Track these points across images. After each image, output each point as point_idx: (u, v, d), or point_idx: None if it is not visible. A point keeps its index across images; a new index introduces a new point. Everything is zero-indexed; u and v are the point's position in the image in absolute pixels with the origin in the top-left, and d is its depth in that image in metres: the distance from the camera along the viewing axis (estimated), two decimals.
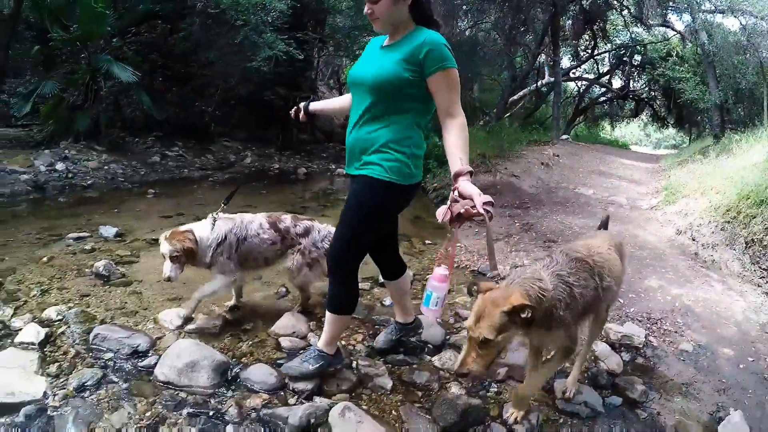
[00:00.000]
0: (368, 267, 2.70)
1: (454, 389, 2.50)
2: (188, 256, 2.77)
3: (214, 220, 2.88)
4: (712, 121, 13.95)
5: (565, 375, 2.60)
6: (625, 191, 8.39)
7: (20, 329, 2.66)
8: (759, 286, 4.13)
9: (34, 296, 3.16)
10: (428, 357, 2.81)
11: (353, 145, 2.24)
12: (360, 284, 2.69)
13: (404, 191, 2.20)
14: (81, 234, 4.51)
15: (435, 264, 2.13)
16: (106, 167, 7.94)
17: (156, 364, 2.44)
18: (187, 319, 2.88)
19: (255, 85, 11.49)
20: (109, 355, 2.54)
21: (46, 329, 2.66)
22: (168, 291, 3.34)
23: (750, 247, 4.43)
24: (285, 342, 2.79)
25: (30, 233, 4.54)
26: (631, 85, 22.78)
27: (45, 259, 3.82)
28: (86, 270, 3.64)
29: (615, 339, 3.09)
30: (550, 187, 8.10)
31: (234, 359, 2.58)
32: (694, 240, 5.18)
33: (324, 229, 3.11)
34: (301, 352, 2.60)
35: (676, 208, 6.27)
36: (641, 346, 3.08)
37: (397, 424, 2.20)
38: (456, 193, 1.90)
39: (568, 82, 22.70)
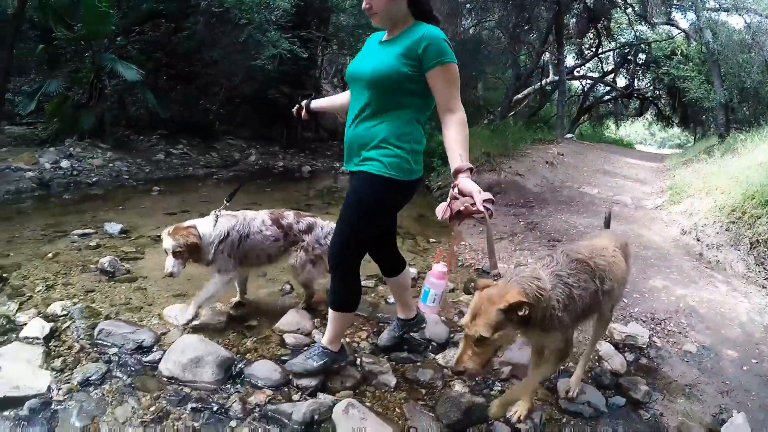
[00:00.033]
0: (372, 265, 2.70)
1: (458, 387, 2.50)
2: (191, 251, 2.76)
3: (217, 216, 2.88)
4: (717, 120, 13.89)
5: (568, 374, 2.60)
6: (629, 190, 8.37)
7: (25, 324, 2.67)
8: (764, 287, 4.12)
9: (39, 291, 3.18)
10: (432, 355, 2.81)
11: (352, 141, 2.23)
12: (364, 282, 2.70)
13: (404, 187, 2.19)
14: (86, 230, 4.52)
15: (434, 261, 2.12)
16: (110, 165, 7.96)
17: (160, 359, 2.45)
18: (190, 323, 2.87)
19: (259, 83, 11.49)
20: (114, 350, 2.55)
21: (51, 324, 2.67)
22: (173, 287, 3.35)
23: (755, 247, 4.42)
24: (289, 338, 2.80)
25: (35, 230, 4.56)
26: (635, 84, 22.65)
27: (50, 255, 3.83)
28: (91, 266, 3.65)
29: (619, 339, 3.09)
30: (554, 186, 8.08)
31: (238, 355, 2.59)
32: (698, 240, 5.16)
33: (327, 225, 3.11)
34: (306, 348, 2.60)
35: (680, 208, 6.24)
36: (645, 346, 3.07)
37: (400, 422, 2.20)
38: (456, 190, 1.88)
39: (572, 81, 22.57)
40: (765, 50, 12.66)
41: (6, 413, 2.03)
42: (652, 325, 3.39)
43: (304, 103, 2.70)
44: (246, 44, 10.03)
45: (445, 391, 2.47)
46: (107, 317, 2.87)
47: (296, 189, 8.50)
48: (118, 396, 2.21)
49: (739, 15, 13.19)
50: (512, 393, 2.27)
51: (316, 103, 2.69)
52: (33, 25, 9.30)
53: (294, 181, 9.56)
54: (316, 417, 2.13)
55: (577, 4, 15.67)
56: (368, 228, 2.28)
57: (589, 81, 23.23)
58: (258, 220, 2.99)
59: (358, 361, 2.64)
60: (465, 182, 1.86)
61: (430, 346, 2.89)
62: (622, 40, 21.00)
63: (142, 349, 2.57)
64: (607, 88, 23.72)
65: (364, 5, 2.11)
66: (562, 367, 2.75)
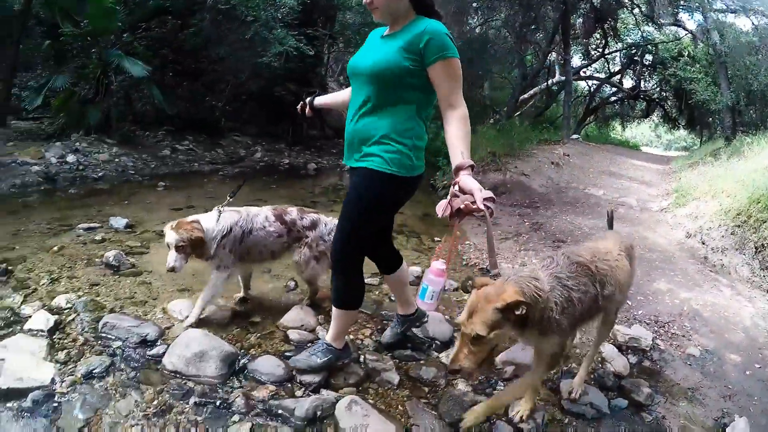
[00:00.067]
0: None
1: (461, 386, 2.50)
2: (195, 246, 2.72)
3: (220, 212, 2.87)
4: (723, 122, 13.82)
5: (571, 375, 2.59)
6: (635, 192, 8.34)
7: (30, 316, 2.68)
8: None
9: (44, 284, 3.19)
10: (435, 353, 2.81)
11: (353, 136, 2.20)
12: (368, 279, 2.70)
13: (406, 183, 2.17)
14: (91, 224, 4.54)
15: (433, 258, 2.11)
16: (116, 160, 7.99)
17: (164, 353, 2.46)
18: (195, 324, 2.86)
19: (265, 80, 11.50)
20: (118, 343, 2.56)
21: (56, 317, 2.68)
22: (177, 282, 3.36)
23: (760, 252, 4.39)
24: (293, 334, 2.80)
25: (40, 223, 4.58)
26: (642, 85, 22.56)
27: (55, 248, 3.85)
28: (96, 260, 3.66)
29: (622, 341, 3.08)
30: (560, 186, 8.07)
31: (242, 350, 2.60)
32: (703, 243, 5.14)
33: (330, 222, 3.10)
34: (309, 345, 2.61)
35: (686, 211, 6.22)
36: (648, 349, 3.06)
37: (403, 419, 2.20)
38: (456, 187, 1.86)
39: (578, 81, 22.55)
40: None
41: (9, 404, 2.04)
42: (656, 328, 3.38)
43: (308, 100, 2.69)
44: (252, 41, 10.06)
45: (448, 389, 2.47)
46: (112, 311, 2.88)
47: (302, 186, 8.52)
48: (122, 389, 2.22)
49: (747, 17, 13.14)
50: (497, 400, 2.24)
51: (320, 100, 2.69)
52: (39, 21, 9.34)
53: (299, 178, 9.58)
54: (319, 413, 2.13)
55: (584, 4, 15.63)
56: (369, 224, 2.26)
57: (595, 82, 23.14)
58: (261, 216, 2.97)
59: (361, 359, 2.64)
60: (466, 180, 1.84)
61: (434, 345, 2.89)
62: (629, 41, 20.94)
63: (146, 342, 2.58)
64: (614, 89, 23.62)
65: (364, 0, 2.10)
66: (565, 368, 2.75)
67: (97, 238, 4.23)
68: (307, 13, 11.45)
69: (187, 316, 2.84)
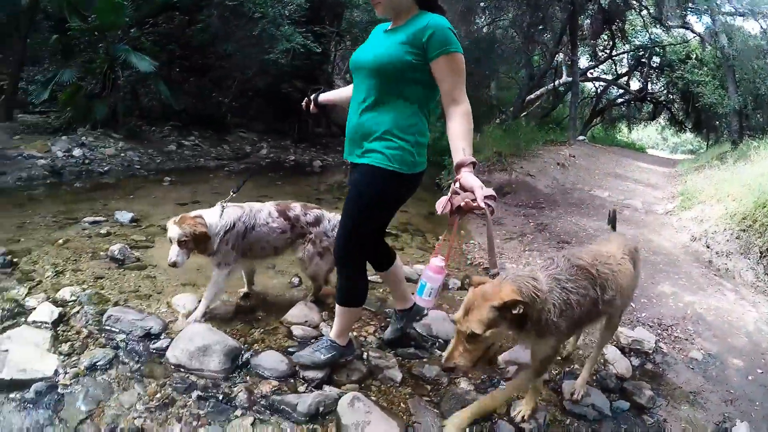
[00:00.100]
0: None
1: (463, 384, 2.51)
2: (198, 241, 2.70)
3: (223, 207, 2.86)
4: (730, 126, 13.77)
5: (574, 376, 2.60)
6: (640, 195, 8.31)
7: (34, 308, 2.68)
8: None
9: (48, 277, 3.20)
10: (438, 351, 2.81)
11: (354, 131, 2.18)
12: (371, 277, 2.69)
13: (408, 180, 2.15)
14: (97, 218, 4.55)
15: (432, 255, 2.11)
16: (122, 154, 8.02)
17: (168, 346, 2.46)
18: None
19: (272, 77, 11.50)
20: (122, 336, 2.57)
21: (60, 309, 2.69)
22: (182, 276, 3.36)
23: (764, 256, 4.37)
24: (297, 330, 2.81)
25: (46, 216, 4.59)
26: (649, 88, 22.48)
27: (61, 241, 3.86)
28: (101, 253, 3.67)
29: (625, 343, 3.08)
30: (565, 187, 8.05)
31: (245, 345, 2.60)
32: (708, 247, 5.12)
33: (334, 218, 3.08)
34: (313, 341, 2.62)
35: (691, 214, 6.20)
36: (651, 351, 3.07)
37: (405, 417, 2.21)
38: (457, 184, 1.85)
39: (585, 83, 22.47)
40: None
41: (12, 395, 2.05)
42: (659, 331, 3.38)
43: (312, 96, 2.69)
44: (260, 38, 10.06)
45: (451, 387, 2.48)
46: (116, 304, 2.88)
47: (307, 183, 8.53)
48: (125, 382, 2.23)
49: (756, 20, 13.07)
50: (486, 402, 2.21)
51: (324, 97, 2.69)
52: (47, 15, 9.36)
53: (305, 175, 9.59)
54: (321, 409, 2.14)
55: (592, 5, 15.56)
56: (370, 222, 2.25)
57: (602, 83, 23.08)
58: (264, 211, 2.96)
59: (364, 356, 2.64)
60: (467, 177, 1.83)
61: (437, 343, 2.90)
62: (637, 43, 20.88)
63: (149, 336, 2.59)
64: (621, 91, 23.59)
65: None
66: (568, 369, 2.75)
67: (103, 231, 4.24)
68: (315, 10, 11.46)
69: (191, 312, 2.84)
